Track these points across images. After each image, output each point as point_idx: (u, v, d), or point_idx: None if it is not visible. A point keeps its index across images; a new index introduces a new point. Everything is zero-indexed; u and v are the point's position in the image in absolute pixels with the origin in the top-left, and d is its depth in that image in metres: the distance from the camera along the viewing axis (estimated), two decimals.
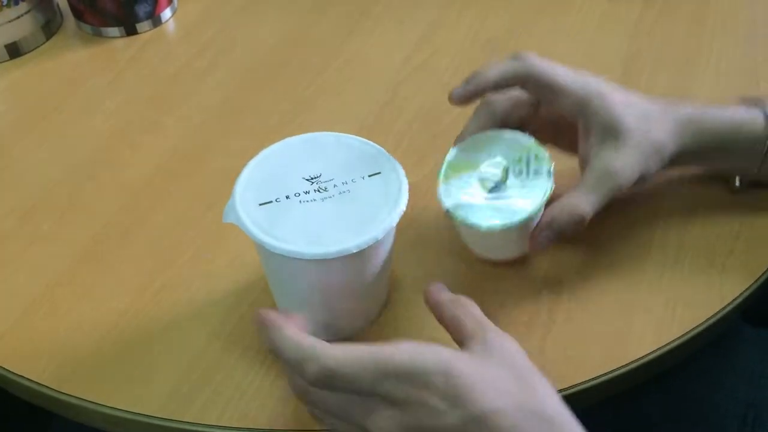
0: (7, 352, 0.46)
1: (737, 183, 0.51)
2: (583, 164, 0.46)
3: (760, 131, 0.46)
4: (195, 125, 0.62)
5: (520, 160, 0.45)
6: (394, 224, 0.40)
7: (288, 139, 0.45)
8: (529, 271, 0.49)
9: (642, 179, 0.45)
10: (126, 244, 0.52)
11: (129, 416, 0.43)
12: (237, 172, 0.57)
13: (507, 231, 0.43)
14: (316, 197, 0.41)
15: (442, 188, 0.44)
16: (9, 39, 0.68)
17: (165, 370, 0.45)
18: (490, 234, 0.43)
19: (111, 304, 0.49)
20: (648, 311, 0.47)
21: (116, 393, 0.44)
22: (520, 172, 0.44)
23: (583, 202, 0.44)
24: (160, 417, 0.43)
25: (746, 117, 0.47)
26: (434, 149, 0.57)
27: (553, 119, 0.48)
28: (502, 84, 0.46)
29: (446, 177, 0.45)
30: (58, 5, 0.74)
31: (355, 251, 0.38)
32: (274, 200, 0.41)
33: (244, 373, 0.44)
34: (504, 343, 0.37)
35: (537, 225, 0.44)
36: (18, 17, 0.68)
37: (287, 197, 0.41)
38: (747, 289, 0.47)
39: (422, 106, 0.62)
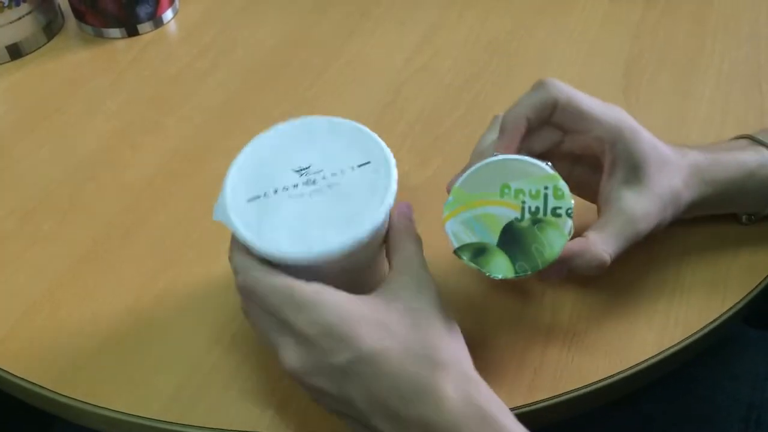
0: (7, 354, 0.46)
1: (745, 219, 0.50)
2: (603, 201, 0.44)
3: None
4: (196, 126, 0.62)
5: (537, 195, 0.39)
6: (381, 221, 0.39)
7: (280, 126, 0.44)
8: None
9: (657, 227, 0.44)
10: (127, 245, 0.52)
11: (131, 419, 0.43)
12: None
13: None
14: (305, 191, 0.40)
15: (449, 224, 0.40)
16: (10, 40, 0.68)
17: (167, 372, 0.45)
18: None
19: (112, 305, 0.48)
20: (650, 315, 0.47)
21: (118, 395, 0.44)
22: (537, 210, 0.39)
23: (608, 249, 0.42)
24: (162, 420, 0.43)
25: (756, 162, 0.46)
26: (436, 151, 0.57)
27: (573, 153, 0.46)
28: (534, 120, 0.43)
29: (455, 209, 0.40)
30: (59, 6, 0.74)
31: (338, 252, 0.38)
32: (262, 195, 0.40)
33: (247, 376, 0.44)
34: (414, 284, 0.38)
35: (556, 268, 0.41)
36: (19, 18, 0.68)
37: (275, 191, 0.40)
38: (750, 293, 0.47)
39: (424, 107, 0.62)
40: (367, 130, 0.43)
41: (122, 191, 0.56)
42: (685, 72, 0.64)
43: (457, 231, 0.39)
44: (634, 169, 0.43)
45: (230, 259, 0.40)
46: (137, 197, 0.56)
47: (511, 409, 0.42)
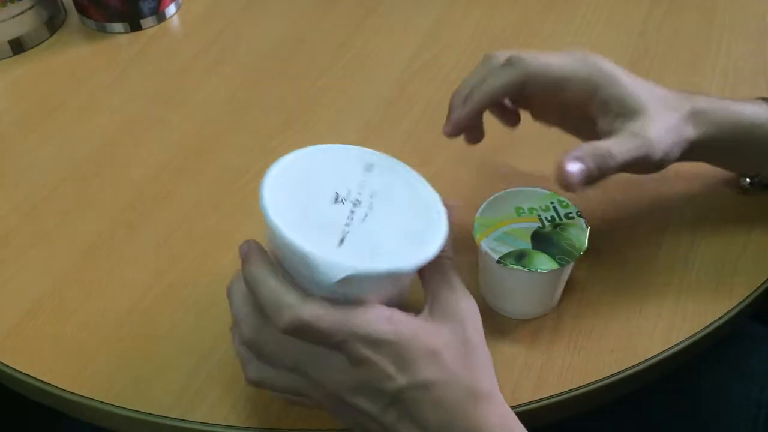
0: (13, 351, 0.46)
1: (747, 183, 0.50)
2: (605, 136, 0.44)
3: None
4: (200, 122, 0.61)
5: (548, 208, 0.45)
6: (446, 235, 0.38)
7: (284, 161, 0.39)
8: None
9: (663, 161, 0.43)
10: (132, 242, 0.52)
11: (137, 415, 0.43)
12: (243, 170, 0.57)
13: (556, 273, 0.43)
14: (356, 216, 0.37)
15: (485, 242, 0.43)
16: (12, 35, 0.68)
17: (173, 369, 0.45)
18: (539, 280, 0.43)
19: (117, 302, 0.48)
20: (658, 312, 0.46)
21: (124, 392, 0.44)
22: (553, 219, 0.44)
23: (615, 148, 0.42)
24: (168, 416, 0.42)
25: (765, 113, 0.45)
26: (441, 148, 0.57)
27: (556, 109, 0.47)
28: (501, 97, 0.44)
29: (484, 231, 0.44)
30: (61, 1, 0.73)
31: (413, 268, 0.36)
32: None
33: None
34: (461, 307, 0.38)
35: (565, 155, 0.42)
36: (21, 12, 0.68)
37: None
38: (757, 289, 0.47)
39: (429, 104, 0.62)
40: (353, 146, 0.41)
41: (127, 187, 0.56)
42: (691, 68, 0.63)
43: (493, 246, 0.43)
44: (628, 106, 0.43)
45: (263, 302, 0.36)
46: (142, 193, 0.55)
47: (517, 407, 0.42)
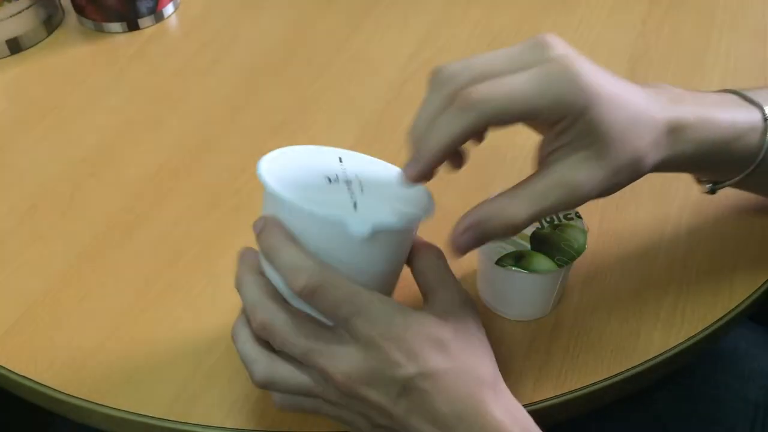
0: (8, 353, 0.46)
1: (708, 189, 0.46)
2: (540, 158, 0.38)
3: (755, 143, 0.42)
4: (198, 122, 0.61)
5: None
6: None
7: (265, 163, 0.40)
8: None
9: (603, 194, 0.38)
10: (129, 243, 0.52)
11: (134, 418, 0.42)
12: (240, 170, 0.57)
13: (555, 275, 0.43)
14: (355, 189, 0.40)
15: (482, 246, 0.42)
16: (10, 34, 0.68)
17: (170, 371, 0.44)
18: (538, 282, 0.43)
19: (114, 303, 0.48)
20: (657, 313, 0.46)
21: (120, 394, 0.43)
22: (552, 220, 0.44)
23: (522, 214, 0.36)
24: (165, 419, 0.42)
25: (746, 124, 0.42)
26: None
27: None
28: (457, 146, 0.36)
29: None
30: (59, 0, 0.73)
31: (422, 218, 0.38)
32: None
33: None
34: (459, 302, 0.38)
35: (458, 223, 0.38)
36: (19, 12, 0.67)
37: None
38: (756, 290, 0.47)
39: None
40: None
41: (123, 188, 0.56)
42: (690, 68, 0.63)
43: (491, 247, 0.43)
44: (585, 135, 0.36)
45: (273, 257, 0.37)
46: (139, 194, 0.55)
47: None
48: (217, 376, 0.44)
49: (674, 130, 0.39)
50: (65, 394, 0.44)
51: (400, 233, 0.38)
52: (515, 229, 0.37)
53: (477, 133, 0.37)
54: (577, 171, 0.36)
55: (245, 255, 0.40)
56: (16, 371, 0.45)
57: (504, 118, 0.35)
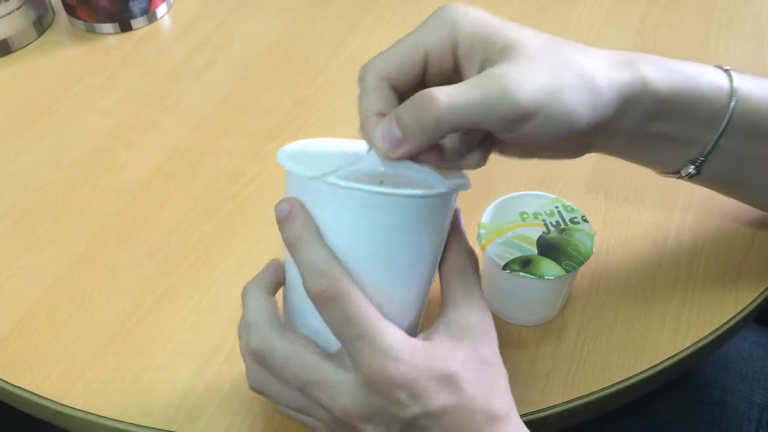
0: (4, 363, 0.45)
1: (692, 170, 0.42)
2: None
3: (721, 99, 0.39)
4: (193, 124, 0.60)
5: (552, 213, 0.45)
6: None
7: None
8: None
9: (565, 118, 0.34)
10: (125, 249, 0.51)
11: (133, 429, 0.42)
12: (238, 174, 0.56)
13: (563, 280, 0.42)
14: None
15: (490, 248, 0.42)
16: (0, 36, 0.66)
17: (169, 381, 0.43)
18: (545, 287, 0.43)
19: (111, 311, 0.47)
20: (662, 318, 0.46)
21: (119, 405, 0.42)
22: (558, 223, 0.44)
23: (442, 93, 0.33)
24: (166, 430, 0.41)
25: (711, 77, 0.40)
26: None
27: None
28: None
29: (489, 237, 0.43)
30: (49, 1, 0.72)
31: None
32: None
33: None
34: (480, 325, 0.36)
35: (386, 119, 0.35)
36: (9, 13, 0.66)
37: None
38: (762, 293, 0.47)
39: None
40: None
41: (118, 193, 0.55)
42: None
43: (498, 252, 0.43)
44: (494, 43, 0.34)
45: (296, 251, 0.35)
46: (134, 199, 0.54)
47: (524, 415, 0.41)
48: (219, 386, 0.43)
49: (631, 63, 0.38)
50: (63, 405, 0.43)
51: (446, 203, 0.35)
52: (433, 105, 0.33)
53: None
54: (508, 70, 0.33)
55: (267, 268, 0.38)
56: (12, 382, 0.44)
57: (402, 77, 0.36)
